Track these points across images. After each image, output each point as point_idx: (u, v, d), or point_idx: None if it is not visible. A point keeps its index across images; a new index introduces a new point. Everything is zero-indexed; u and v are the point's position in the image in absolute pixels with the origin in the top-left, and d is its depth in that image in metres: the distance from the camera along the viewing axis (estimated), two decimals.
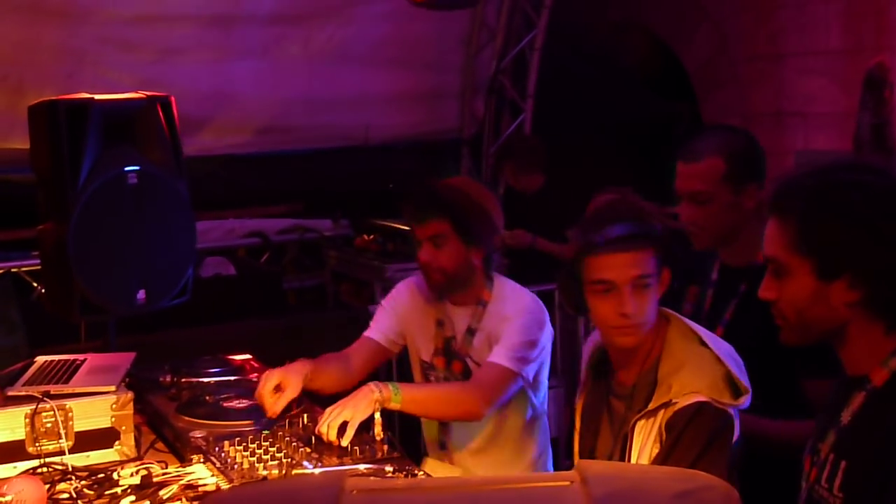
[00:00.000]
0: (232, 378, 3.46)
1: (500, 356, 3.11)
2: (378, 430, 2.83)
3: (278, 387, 3.01)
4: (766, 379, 2.83)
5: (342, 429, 2.78)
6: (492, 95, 7.06)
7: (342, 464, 2.63)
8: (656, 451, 2.43)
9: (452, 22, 6.74)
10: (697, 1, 7.33)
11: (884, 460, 1.88)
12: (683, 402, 2.39)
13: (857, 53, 6.11)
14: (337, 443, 2.76)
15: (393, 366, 5.32)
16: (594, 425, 2.67)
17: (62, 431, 2.86)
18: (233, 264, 5.73)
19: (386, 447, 2.75)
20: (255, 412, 3.06)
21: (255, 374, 3.46)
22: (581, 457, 2.72)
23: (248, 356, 3.72)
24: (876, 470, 1.89)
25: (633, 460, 2.44)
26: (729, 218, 2.93)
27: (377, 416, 2.85)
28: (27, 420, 2.84)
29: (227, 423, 2.99)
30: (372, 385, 2.90)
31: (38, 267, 5.15)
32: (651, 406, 2.44)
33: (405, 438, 3.09)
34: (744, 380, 2.43)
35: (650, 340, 2.54)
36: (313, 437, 2.80)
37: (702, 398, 2.38)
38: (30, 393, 2.92)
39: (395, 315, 3.47)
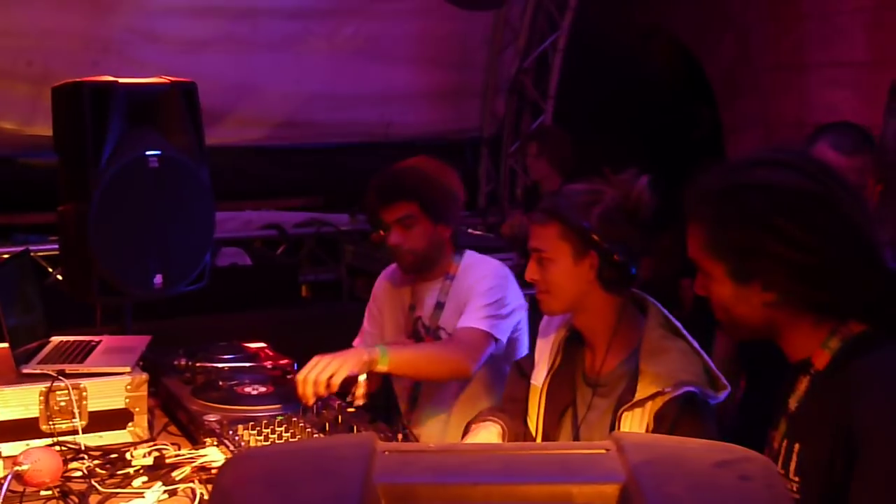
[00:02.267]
0: (247, 364, 3.46)
1: (470, 319, 3.13)
2: (360, 392, 2.82)
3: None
4: None
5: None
6: (513, 95, 7.05)
7: None
8: None
9: (476, 21, 6.73)
10: (722, 9, 7.30)
11: (830, 440, 1.87)
12: (674, 391, 2.38)
13: (882, 65, 6.06)
14: (319, 395, 2.76)
15: None
16: (560, 407, 2.64)
17: (76, 411, 2.86)
18: (249, 255, 5.73)
19: (401, 435, 2.74)
20: (270, 398, 3.06)
21: (270, 362, 3.46)
22: (545, 439, 2.64)
23: (262, 344, 3.71)
24: (824, 450, 1.88)
25: None
26: None
27: (362, 378, 2.84)
28: (41, 398, 2.84)
29: (242, 407, 2.98)
30: (361, 347, 2.93)
31: (55, 252, 5.18)
32: (639, 396, 2.42)
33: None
34: (720, 375, 2.45)
35: (617, 327, 2.54)
36: (327, 424, 2.79)
37: (692, 388, 2.38)
38: (45, 371, 2.92)
39: (377, 321, 3.57)
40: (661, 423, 2.38)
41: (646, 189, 2.83)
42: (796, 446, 1.98)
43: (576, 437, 2.57)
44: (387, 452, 1.02)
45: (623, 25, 7.87)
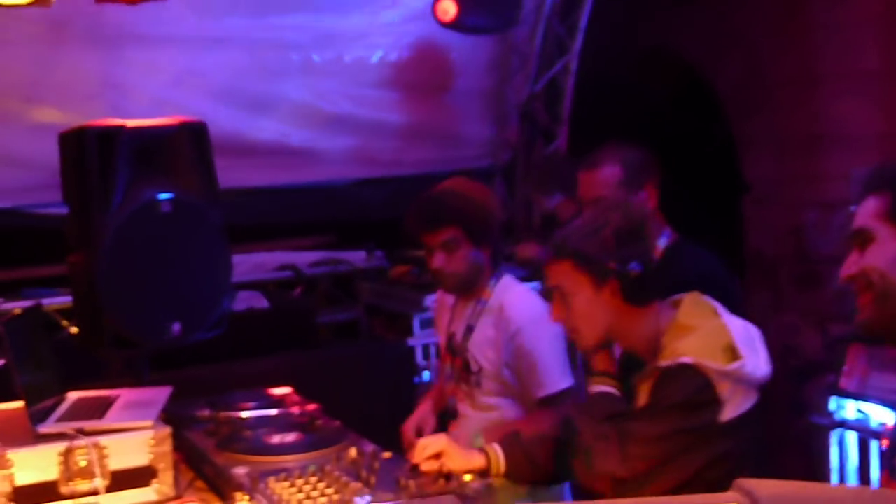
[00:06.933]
0: (272, 412, 3.32)
1: (553, 382, 3.30)
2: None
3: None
4: None
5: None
6: (525, 121, 6.94)
7: (396, 499, 2.49)
8: None
9: (485, 47, 6.63)
10: (729, 25, 7.21)
11: None
12: (669, 363, 2.45)
13: (894, 74, 5.98)
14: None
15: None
16: None
17: (97, 470, 2.73)
18: (266, 298, 5.60)
19: (442, 481, 2.60)
20: (300, 446, 2.92)
21: (297, 408, 3.33)
22: None
23: (288, 389, 3.58)
24: None
25: None
26: None
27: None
28: (60, 458, 2.72)
29: (271, 458, 2.84)
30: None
31: (67, 305, 5.05)
32: (649, 367, 2.53)
33: None
34: (742, 348, 2.46)
35: (657, 333, 2.57)
36: (363, 471, 2.65)
37: (686, 359, 2.43)
38: (63, 430, 2.79)
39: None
40: (653, 393, 2.49)
41: (644, 203, 3.22)
42: None
43: None
44: None
45: (629, 46, 7.79)
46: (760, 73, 7.01)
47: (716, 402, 2.41)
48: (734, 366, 2.42)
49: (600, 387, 2.69)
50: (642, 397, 2.54)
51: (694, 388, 2.41)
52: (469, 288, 3.46)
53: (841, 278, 2.13)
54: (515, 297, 3.43)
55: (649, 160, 3.35)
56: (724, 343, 2.46)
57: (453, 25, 5.87)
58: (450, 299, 3.64)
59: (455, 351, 3.53)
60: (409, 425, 3.61)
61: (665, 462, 2.42)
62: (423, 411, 3.66)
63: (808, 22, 6.56)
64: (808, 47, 6.58)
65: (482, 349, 3.41)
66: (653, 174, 3.33)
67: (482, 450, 2.75)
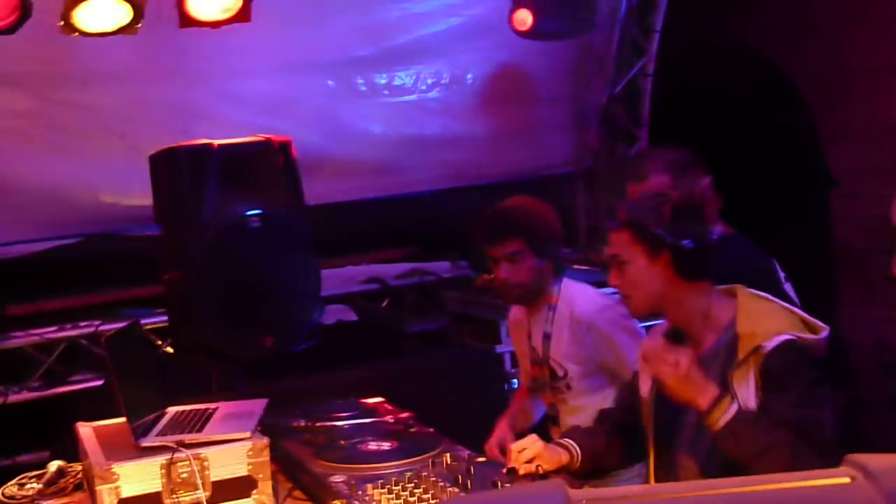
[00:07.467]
0: (367, 420, 3.36)
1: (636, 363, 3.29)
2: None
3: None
4: None
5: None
6: (605, 125, 6.90)
7: None
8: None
9: (560, 53, 6.60)
10: (807, 16, 7.09)
11: None
12: (770, 344, 2.50)
13: None
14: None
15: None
16: (671, 413, 2.72)
17: (199, 481, 2.79)
18: (354, 311, 5.66)
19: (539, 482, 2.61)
20: (396, 454, 2.95)
21: (391, 416, 3.36)
22: (659, 437, 2.78)
23: (381, 399, 3.62)
24: None
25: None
26: None
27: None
28: (163, 471, 2.78)
29: (368, 465, 2.88)
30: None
31: (162, 324, 5.15)
32: (741, 356, 2.54)
33: None
34: (817, 322, 2.59)
35: (708, 312, 2.66)
36: (459, 476, 2.67)
37: (786, 336, 2.50)
38: (164, 443, 2.86)
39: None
40: (767, 376, 2.50)
41: (709, 188, 3.23)
42: None
43: (698, 436, 2.64)
44: (584, 502, 0.89)
45: (707, 44, 7.71)
46: (841, 63, 6.88)
47: (823, 369, 2.53)
48: (824, 334, 2.55)
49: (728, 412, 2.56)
50: (745, 377, 2.54)
51: (809, 360, 2.51)
52: (533, 298, 3.58)
53: (892, 276, 2.18)
54: (578, 295, 3.56)
55: (693, 158, 3.30)
56: (797, 318, 2.59)
57: (530, 34, 5.86)
58: (522, 316, 3.73)
59: (539, 362, 3.61)
60: (492, 444, 3.57)
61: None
62: (502, 430, 3.64)
63: (890, 11, 6.43)
64: (890, 35, 6.45)
65: (563, 353, 3.51)
66: (699, 171, 3.28)
67: (564, 446, 2.85)
